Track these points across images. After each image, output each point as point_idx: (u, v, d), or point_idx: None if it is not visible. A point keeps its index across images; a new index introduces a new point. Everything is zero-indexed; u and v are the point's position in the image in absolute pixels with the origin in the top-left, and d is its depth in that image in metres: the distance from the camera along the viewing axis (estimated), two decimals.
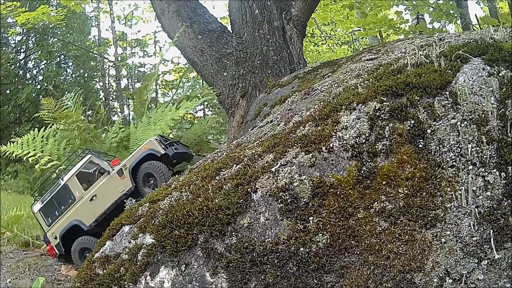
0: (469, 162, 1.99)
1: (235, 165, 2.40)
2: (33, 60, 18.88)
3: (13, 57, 17.82)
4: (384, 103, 2.19)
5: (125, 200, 3.28)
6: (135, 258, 2.31)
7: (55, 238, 3.83)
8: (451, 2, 8.58)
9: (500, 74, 2.19)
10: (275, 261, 1.99)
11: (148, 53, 22.55)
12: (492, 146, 2.00)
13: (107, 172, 3.74)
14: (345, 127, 2.17)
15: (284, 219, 2.04)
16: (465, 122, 2.05)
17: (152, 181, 3.62)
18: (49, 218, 3.89)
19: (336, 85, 2.99)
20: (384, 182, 2.02)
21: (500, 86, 2.13)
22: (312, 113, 2.44)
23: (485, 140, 2.00)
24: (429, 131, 2.08)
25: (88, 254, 3.54)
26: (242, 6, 5.65)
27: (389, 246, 1.93)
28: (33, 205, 4.10)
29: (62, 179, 3.95)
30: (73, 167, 3.94)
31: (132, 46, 22.30)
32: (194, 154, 4.14)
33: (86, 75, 20.16)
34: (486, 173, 1.96)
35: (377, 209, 1.98)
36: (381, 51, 3.70)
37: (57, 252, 3.87)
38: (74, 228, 3.79)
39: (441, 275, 1.87)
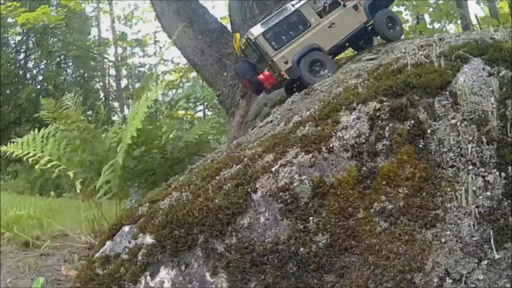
0: (469, 162, 1.99)
1: (235, 165, 2.39)
2: (33, 60, 18.87)
3: (13, 57, 17.81)
4: (384, 103, 2.20)
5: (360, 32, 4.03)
6: (135, 258, 2.31)
7: (285, 62, 3.77)
8: (451, 2, 8.58)
9: (500, 74, 2.19)
10: (275, 261, 1.99)
11: (148, 53, 22.59)
12: (492, 146, 2.00)
13: (342, 5, 3.96)
14: (345, 127, 2.17)
15: (284, 219, 2.04)
16: (465, 122, 2.05)
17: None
18: (274, 43, 3.83)
19: (336, 85, 2.99)
20: (384, 182, 2.02)
21: (500, 86, 2.13)
22: (312, 113, 2.44)
23: (485, 140, 2.00)
24: (429, 131, 2.08)
25: (318, 68, 3.70)
26: (242, 6, 5.65)
27: (389, 246, 1.93)
28: (249, 30, 4.00)
29: (292, 5, 3.93)
30: None
31: (132, 46, 22.33)
32: None
33: (86, 75, 20.14)
34: (486, 173, 1.96)
35: (377, 209, 1.98)
36: (381, 51, 3.71)
37: (287, 77, 3.74)
38: (311, 51, 3.78)
39: (441, 275, 1.87)
